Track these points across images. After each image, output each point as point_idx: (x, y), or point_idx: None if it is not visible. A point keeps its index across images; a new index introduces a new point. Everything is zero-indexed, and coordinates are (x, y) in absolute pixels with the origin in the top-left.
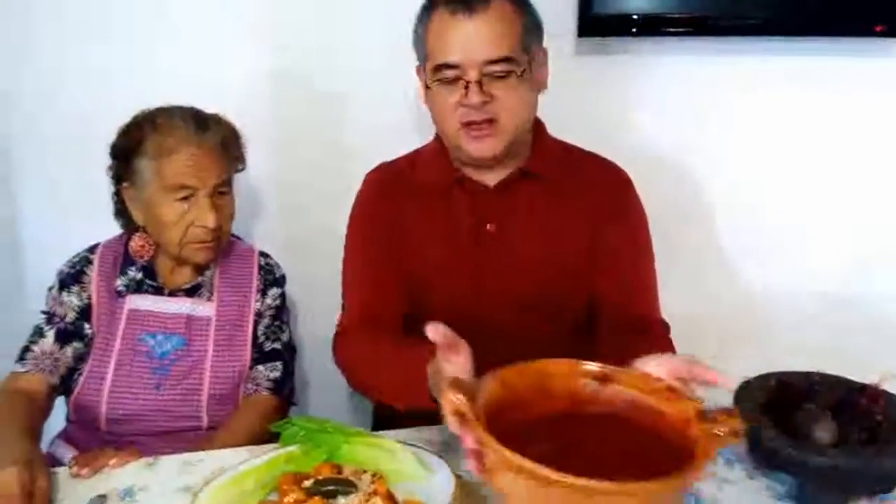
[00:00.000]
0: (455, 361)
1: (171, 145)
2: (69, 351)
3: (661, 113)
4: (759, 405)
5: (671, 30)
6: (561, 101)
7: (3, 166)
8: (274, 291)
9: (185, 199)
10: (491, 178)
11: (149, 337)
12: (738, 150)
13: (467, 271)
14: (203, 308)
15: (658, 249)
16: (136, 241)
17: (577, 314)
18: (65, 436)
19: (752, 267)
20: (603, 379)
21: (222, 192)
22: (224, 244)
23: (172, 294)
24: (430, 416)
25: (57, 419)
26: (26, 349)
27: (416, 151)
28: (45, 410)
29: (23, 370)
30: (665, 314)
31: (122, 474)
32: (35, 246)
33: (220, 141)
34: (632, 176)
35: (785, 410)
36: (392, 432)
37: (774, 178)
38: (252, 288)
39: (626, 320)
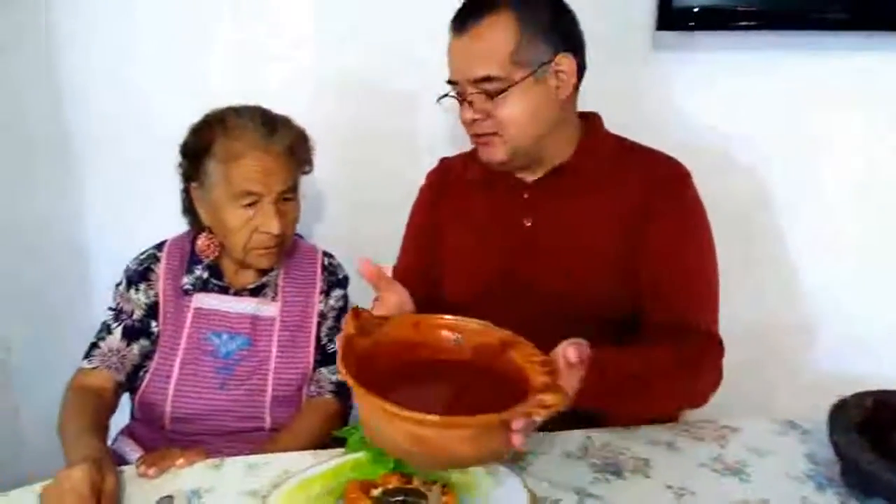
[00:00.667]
0: (386, 300)
1: (239, 150)
2: (136, 348)
3: (741, 110)
4: (855, 424)
5: (752, 23)
6: (638, 96)
7: (68, 162)
8: (337, 293)
9: (250, 205)
10: (529, 175)
11: (214, 336)
12: (827, 154)
13: (502, 267)
14: (267, 308)
15: (726, 257)
16: (203, 241)
17: (618, 317)
18: (128, 432)
19: (831, 276)
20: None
21: (287, 199)
22: (287, 248)
23: (237, 294)
24: None
25: (121, 415)
26: (94, 346)
27: (474, 148)
28: (112, 407)
29: (90, 367)
30: (730, 331)
31: (189, 475)
32: (101, 243)
33: (288, 145)
34: (703, 175)
35: (882, 431)
36: None
37: (862, 183)
38: (316, 289)
39: (668, 328)
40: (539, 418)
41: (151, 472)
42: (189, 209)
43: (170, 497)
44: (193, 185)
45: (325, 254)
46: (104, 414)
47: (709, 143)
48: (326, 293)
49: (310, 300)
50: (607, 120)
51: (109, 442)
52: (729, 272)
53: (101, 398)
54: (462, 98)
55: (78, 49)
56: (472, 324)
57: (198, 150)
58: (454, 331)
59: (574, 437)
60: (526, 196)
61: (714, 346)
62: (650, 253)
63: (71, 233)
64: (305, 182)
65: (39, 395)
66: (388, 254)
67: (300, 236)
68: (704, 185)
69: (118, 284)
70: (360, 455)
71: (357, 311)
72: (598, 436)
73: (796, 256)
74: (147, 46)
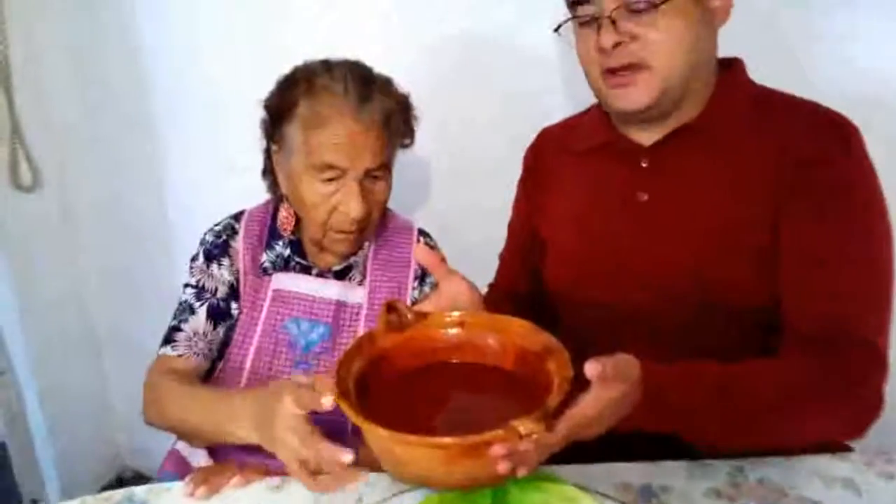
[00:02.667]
0: (442, 291)
1: (325, 115)
2: (221, 331)
3: None
4: None
5: None
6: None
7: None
8: (433, 279)
9: (331, 180)
10: (646, 138)
11: (292, 324)
12: None
13: (612, 248)
14: (354, 294)
15: None
16: (282, 213)
17: (754, 311)
18: None
19: None
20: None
21: (376, 177)
22: (369, 234)
23: (321, 275)
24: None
25: None
26: (175, 330)
27: (582, 113)
28: None
29: (174, 354)
30: None
31: (244, 498)
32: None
33: (384, 115)
34: (878, 138)
35: None
36: (576, 469)
37: None
38: (409, 273)
39: (814, 334)
40: (524, 446)
41: (200, 491)
42: (269, 171)
43: None
44: (274, 147)
45: (422, 232)
46: None
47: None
48: (421, 279)
49: (402, 286)
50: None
51: (170, 445)
52: None
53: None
54: (600, 18)
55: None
56: (517, 325)
57: (280, 109)
58: (499, 332)
59: (717, 469)
60: (644, 164)
61: (874, 362)
62: (799, 236)
63: (157, 210)
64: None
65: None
66: (498, 235)
67: (391, 211)
68: (877, 149)
69: (194, 259)
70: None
71: (392, 304)
72: (752, 468)
73: None
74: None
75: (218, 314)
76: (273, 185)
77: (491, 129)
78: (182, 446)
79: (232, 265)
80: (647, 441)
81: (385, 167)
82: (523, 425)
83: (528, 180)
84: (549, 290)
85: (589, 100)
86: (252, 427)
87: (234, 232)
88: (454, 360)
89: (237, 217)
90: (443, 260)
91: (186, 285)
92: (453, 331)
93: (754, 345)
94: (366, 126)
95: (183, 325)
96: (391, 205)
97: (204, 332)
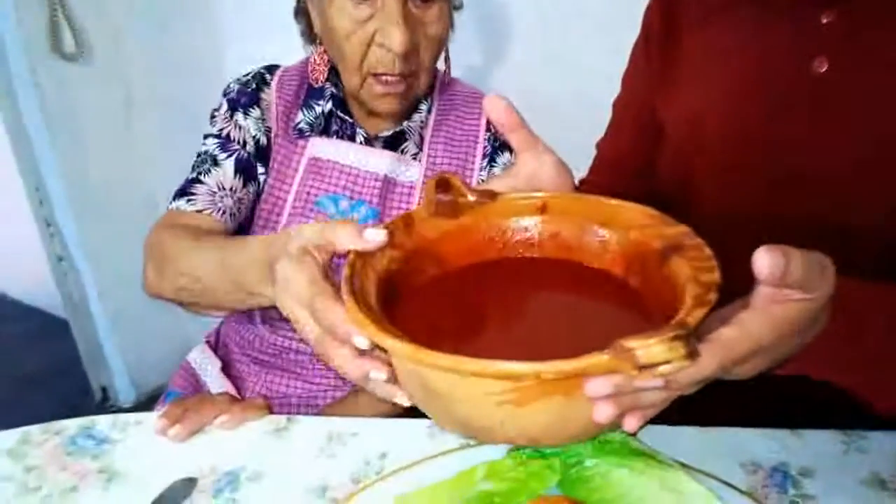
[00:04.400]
0: (520, 164)
1: None
2: (252, 192)
3: None
4: None
5: None
6: None
7: None
8: (505, 158)
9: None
10: None
11: (328, 201)
12: None
13: (772, 139)
14: (407, 170)
15: None
16: (313, 58)
17: None
18: (216, 337)
19: None
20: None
21: (427, 0)
22: (421, 88)
23: (368, 143)
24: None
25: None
26: (195, 181)
27: None
28: None
29: (191, 209)
30: None
31: (232, 442)
32: None
33: None
34: None
35: None
36: (675, 433)
37: None
38: (477, 150)
39: None
40: (644, 382)
41: (174, 431)
42: (302, 11)
43: (191, 480)
44: None
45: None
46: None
47: None
48: (491, 158)
49: (468, 164)
50: None
51: (185, 353)
52: None
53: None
54: None
55: None
56: (632, 212)
57: None
58: (602, 222)
59: (883, 446)
60: (826, 20)
61: None
62: None
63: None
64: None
65: None
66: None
67: (456, 79)
68: None
69: (216, 110)
70: (502, 455)
71: (444, 179)
72: None
73: None
74: None
75: (249, 169)
76: (308, 29)
77: None
78: (195, 356)
79: (262, 119)
80: (795, 399)
81: None
82: (644, 349)
83: (653, 42)
84: (667, 198)
85: None
86: (264, 271)
87: (265, 83)
88: (532, 257)
89: (270, 69)
90: (523, 122)
91: (207, 136)
92: (532, 219)
93: None
94: None
95: (204, 178)
96: (456, 73)
97: (232, 188)
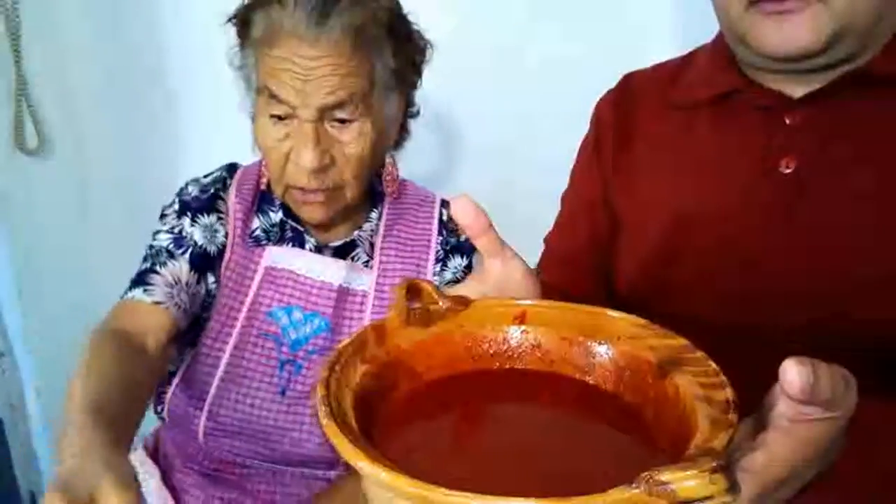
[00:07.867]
0: (487, 270)
1: (273, 31)
2: (203, 289)
3: None
4: None
5: None
6: None
7: None
8: (457, 263)
9: (281, 119)
10: (798, 88)
11: (282, 312)
12: None
13: (737, 242)
14: (359, 279)
15: None
16: (264, 162)
17: None
18: (154, 443)
19: None
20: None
21: (343, 120)
22: (349, 200)
23: (318, 251)
24: None
25: None
26: (150, 271)
27: (692, 53)
28: (160, 371)
29: (148, 300)
30: None
31: None
32: None
33: (351, 33)
34: None
35: None
36: None
37: None
38: (429, 254)
39: None
40: None
41: None
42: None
43: None
44: (239, 65)
45: (446, 204)
46: (149, 385)
47: None
48: (444, 262)
49: (420, 268)
50: None
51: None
52: None
53: (144, 356)
54: None
55: None
56: (622, 322)
57: (241, 21)
58: (589, 332)
59: None
60: (788, 121)
61: None
62: None
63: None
64: (429, 99)
65: None
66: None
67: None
68: None
69: (167, 207)
70: None
71: (415, 285)
72: None
73: None
74: None
75: (203, 268)
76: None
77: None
78: (139, 455)
79: (214, 229)
80: None
81: (356, 105)
82: (679, 482)
83: (605, 141)
84: (623, 300)
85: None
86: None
87: (226, 186)
88: (512, 369)
89: (230, 169)
90: (490, 226)
91: (158, 232)
92: (510, 329)
93: None
94: (321, 49)
95: (161, 269)
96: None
97: (187, 283)
